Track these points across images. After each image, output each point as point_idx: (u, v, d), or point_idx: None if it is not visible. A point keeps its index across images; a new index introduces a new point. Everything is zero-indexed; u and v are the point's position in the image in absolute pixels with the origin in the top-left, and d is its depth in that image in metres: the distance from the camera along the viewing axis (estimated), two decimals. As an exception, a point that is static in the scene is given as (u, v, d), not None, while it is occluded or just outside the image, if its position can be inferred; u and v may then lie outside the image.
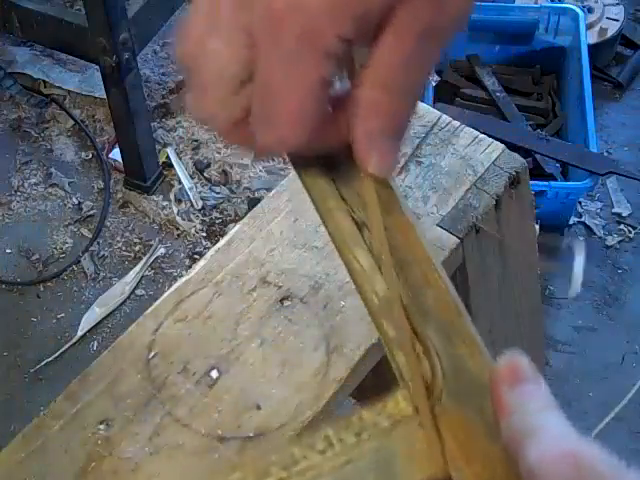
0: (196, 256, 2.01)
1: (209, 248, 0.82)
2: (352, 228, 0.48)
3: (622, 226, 2.09)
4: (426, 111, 0.99)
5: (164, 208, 2.10)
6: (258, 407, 0.69)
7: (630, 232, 2.08)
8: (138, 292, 1.99)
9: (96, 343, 1.91)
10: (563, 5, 2.28)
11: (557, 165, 2.06)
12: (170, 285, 0.77)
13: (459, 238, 0.85)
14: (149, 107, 2.22)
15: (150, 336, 0.73)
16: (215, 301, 0.76)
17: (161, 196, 2.13)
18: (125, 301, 1.97)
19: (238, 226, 0.83)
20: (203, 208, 2.10)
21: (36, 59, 2.35)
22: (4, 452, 0.64)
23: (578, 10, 2.20)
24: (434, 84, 2.16)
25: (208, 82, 0.43)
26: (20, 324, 1.94)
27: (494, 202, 0.80)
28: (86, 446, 0.66)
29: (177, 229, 2.07)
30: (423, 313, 0.43)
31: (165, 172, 2.16)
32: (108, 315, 1.94)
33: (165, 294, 0.77)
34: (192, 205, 2.10)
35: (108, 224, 2.10)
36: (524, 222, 0.86)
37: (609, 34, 2.32)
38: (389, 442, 0.42)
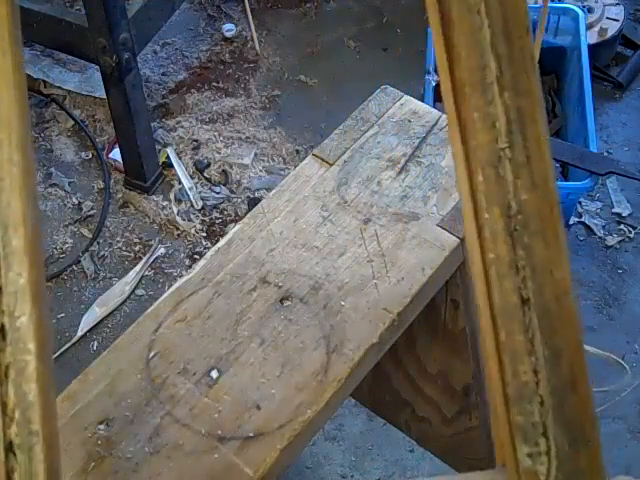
0: (196, 256, 2.01)
1: (209, 248, 0.82)
2: None
3: (622, 226, 2.09)
4: (426, 111, 0.99)
5: (164, 208, 2.10)
6: (258, 407, 0.69)
7: (630, 232, 2.07)
8: (138, 292, 1.99)
9: (96, 343, 1.91)
10: (563, 5, 2.28)
11: (557, 165, 2.06)
12: (170, 285, 0.77)
13: (459, 238, 0.85)
14: (149, 107, 2.22)
15: (150, 336, 0.73)
16: (215, 301, 0.76)
17: (161, 196, 2.13)
18: (125, 301, 1.97)
19: (238, 226, 0.83)
20: (203, 208, 2.10)
21: (36, 59, 2.35)
22: (4, 452, 0.64)
23: (578, 10, 2.20)
24: (434, 84, 2.16)
25: None
26: (20, 324, 1.94)
27: (494, 202, 0.80)
28: (86, 446, 0.66)
29: (177, 229, 2.07)
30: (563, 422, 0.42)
31: (165, 172, 2.16)
32: (108, 315, 1.94)
33: (165, 294, 0.77)
34: (192, 205, 2.10)
35: (108, 224, 2.10)
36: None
37: (609, 34, 2.32)
38: None
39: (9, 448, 0.39)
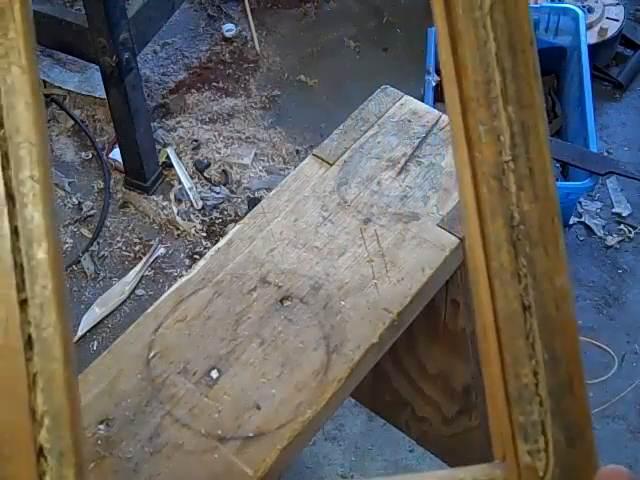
0: (196, 256, 2.01)
1: (209, 248, 0.82)
2: None
3: (622, 226, 2.09)
4: (426, 111, 0.99)
5: (164, 208, 2.10)
6: (258, 407, 0.69)
7: (630, 232, 2.08)
8: (138, 292, 1.99)
9: (96, 343, 1.91)
10: (563, 5, 2.28)
11: (557, 165, 2.06)
12: (170, 285, 0.77)
13: (459, 238, 0.85)
14: (149, 107, 2.22)
15: (150, 336, 0.73)
16: (215, 301, 0.76)
17: (161, 196, 2.13)
18: (125, 301, 1.97)
19: (238, 226, 0.83)
20: (203, 208, 2.10)
21: (36, 59, 2.35)
22: (4, 452, 0.64)
23: (578, 10, 2.20)
24: (434, 84, 2.15)
25: None
26: (20, 324, 1.94)
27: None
28: (86, 446, 0.66)
29: (177, 229, 2.07)
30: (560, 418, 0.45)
31: (165, 172, 2.16)
32: (108, 315, 1.94)
33: (165, 294, 0.77)
34: (192, 205, 2.10)
35: (108, 224, 2.10)
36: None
37: (609, 34, 2.32)
38: None
39: (40, 452, 0.41)
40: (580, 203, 2.11)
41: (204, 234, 2.07)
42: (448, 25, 0.42)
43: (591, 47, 2.18)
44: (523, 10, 0.42)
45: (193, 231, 2.06)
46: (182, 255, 2.04)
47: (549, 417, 0.44)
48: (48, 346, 0.41)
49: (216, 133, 2.23)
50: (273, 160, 2.19)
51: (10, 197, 0.41)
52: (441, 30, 0.43)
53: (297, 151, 2.21)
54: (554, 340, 0.44)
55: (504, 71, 0.42)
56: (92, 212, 2.12)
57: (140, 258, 2.03)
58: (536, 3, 2.33)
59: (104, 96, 2.01)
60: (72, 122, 2.27)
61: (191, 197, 2.11)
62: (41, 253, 0.41)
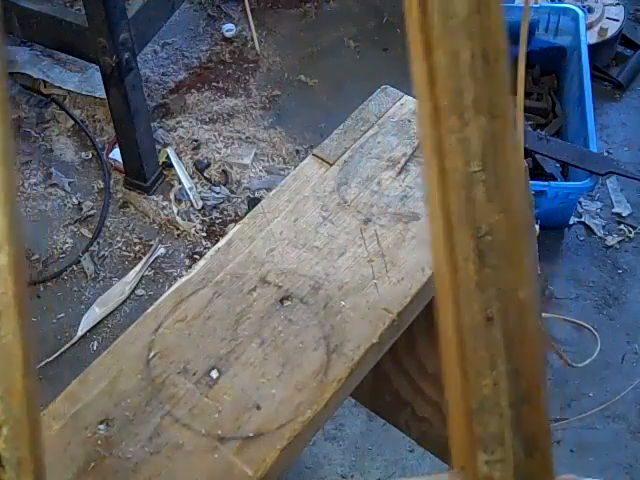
0: (196, 256, 2.01)
1: (209, 248, 0.82)
2: None
3: (622, 226, 2.09)
4: (426, 111, 0.98)
5: (164, 208, 2.10)
6: (258, 407, 0.69)
7: (630, 232, 2.07)
8: (138, 292, 1.99)
9: (96, 343, 1.90)
10: (563, 5, 2.28)
11: (557, 165, 2.06)
12: (170, 285, 0.77)
13: (459, 238, 0.85)
14: (149, 107, 2.22)
15: (150, 336, 0.73)
16: (215, 301, 0.76)
17: (161, 196, 2.13)
18: (125, 301, 1.97)
19: (238, 226, 0.83)
20: (203, 208, 2.10)
21: (36, 59, 2.35)
22: (4, 452, 0.64)
23: (578, 10, 2.20)
24: (434, 84, 2.15)
25: None
26: (20, 324, 1.94)
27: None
28: (86, 446, 0.66)
29: (177, 229, 2.07)
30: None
31: (165, 172, 2.16)
32: (108, 315, 1.94)
33: (165, 294, 0.77)
34: (192, 205, 2.10)
35: (108, 224, 2.10)
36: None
37: (609, 34, 2.32)
38: None
39: None
40: (580, 203, 2.11)
41: (204, 234, 2.06)
42: (422, 33, 0.42)
43: (591, 47, 2.18)
44: (497, 20, 0.42)
45: (193, 231, 2.06)
46: (182, 255, 2.04)
47: (509, 428, 0.44)
48: (7, 354, 0.40)
49: (216, 133, 2.23)
50: (273, 160, 2.19)
51: None
52: (415, 37, 0.42)
53: (297, 151, 2.21)
54: (516, 352, 0.44)
55: (477, 80, 0.41)
56: (92, 212, 2.12)
57: (140, 258, 2.03)
58: (536, 3, 2.33)
59: (104, 96, 2.01)
60: (72, 122, 2.27)
61: (191, 197, 2.11)
62: (1, 258, 0.39)
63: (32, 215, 2.12)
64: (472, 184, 0.42)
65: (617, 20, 2.34)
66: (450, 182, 0.42)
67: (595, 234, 2.07)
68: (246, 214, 0.85)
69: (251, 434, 0.67)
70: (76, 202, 2.14)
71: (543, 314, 0.95)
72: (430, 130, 0.42)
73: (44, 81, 2.31)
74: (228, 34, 2.44)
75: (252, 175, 2.16)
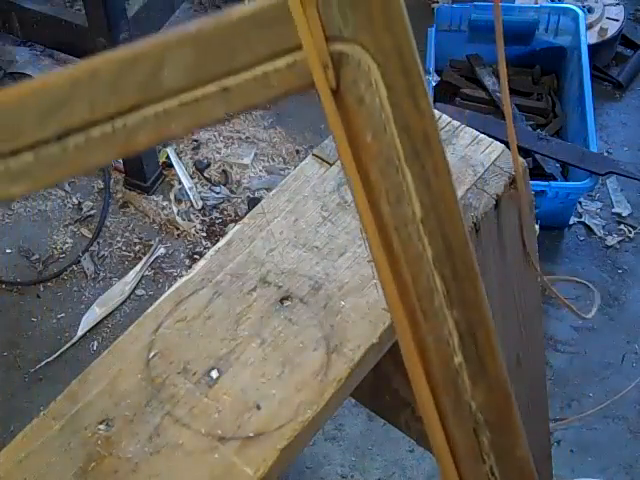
0: (196, 256, 2.01)
1: (209, 248, 0.82)
2: None
3: (622, 226, 2.09)
4: (426, 111, 0.98)
5: (164, 208, 2.10)
6: (258, 407, 0.69)
7: (630, 232, 2.07)
8: (138, 292, 1.99)
9: (96, 343, 1.91)
10: (563, 5, 2.28)
11: (557, 165, 2.06)
12: (170, 285, 0.77)
13: (459, 238, 0.85)
14: (149, 107, 2.22)
15: (150, 336, 0.73)
16: (215, 301, 0.76)
17: (161, 196, 2.13)
18: (125, 301, 1.97)
19: (238, 226, 0.83)
20: (203, 208, 2.10)
21: (36, 59, 2.35)
22: (4, 452, 0.64)
23: (578, 10, 2.20)
24: (434, 84, 2.16)
25: None
26: (20, 324, 1.94)
27: (494, 202, 0.80)
28: (86, 446, 0.66)
29: (177, 229, 2.07)
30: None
31: (165, 172, 2.16)
32: (108, 315, 1.94)
33: (165, 294, 0.77)
34: (192, 205, 2.10)
35: (108, 224, 2.10)
36: (524, 222, 0.86)
37: (609, 34, 2.32)
38: None
39: None
40: (580, 203, 2.11)
41: (204, 234, 2.07)
42: (385, 241, 0.43)
43: (591, 47, 2.18)
44: (456, 215, 0.42)
45: (193, 231, 2.06)
46: (182, 255, 2.04)
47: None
48: None
49: (216, 133, 2.23)
50: (273, 160, 2.19)
51: None
52: (373, 241, 0.43)
53: (297, 151, 2.21)
54: None
55: (444, 277, 0.42)
56: (92, 212, 2.12)
57: (140, 258, 2.03)
58: (536, 3, 2.33)
59: (104, 96, 2.01)
60: (72, 122, 2.27)
61: (191, 197, 2.11)
62: None
63: (32, 215, 2.12)
64: (457, 375, 0.45)
65: (617, 20, 2.34)
66: (438, 381, 0.46)
67: (595, 234, 2.07)
68: (246, 214, 0.85)
69: (251, 434, 0.67)
70: (76, 202, 2.14)
71: (545, 277, 0.96)
72: (409, 331, 0.45)
73: (44, 81, 2.31)
74: (228, 34, 2.44)
75: (252, 175, 2.16)
